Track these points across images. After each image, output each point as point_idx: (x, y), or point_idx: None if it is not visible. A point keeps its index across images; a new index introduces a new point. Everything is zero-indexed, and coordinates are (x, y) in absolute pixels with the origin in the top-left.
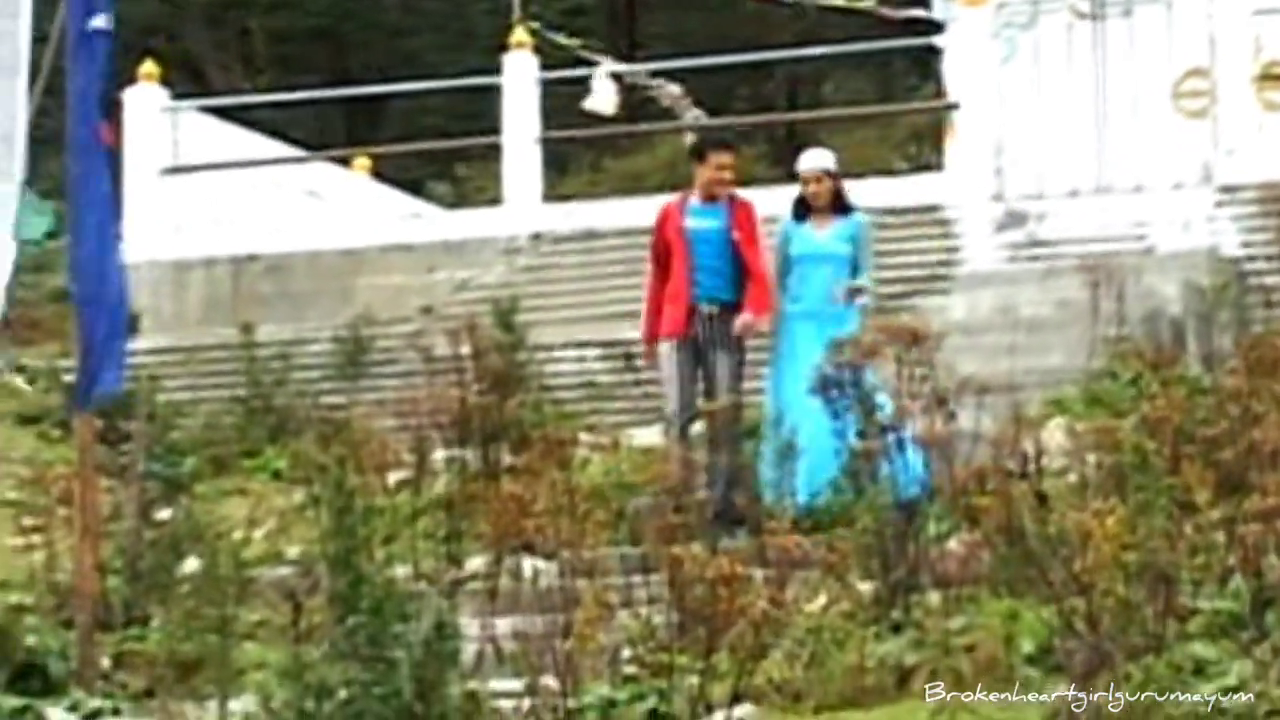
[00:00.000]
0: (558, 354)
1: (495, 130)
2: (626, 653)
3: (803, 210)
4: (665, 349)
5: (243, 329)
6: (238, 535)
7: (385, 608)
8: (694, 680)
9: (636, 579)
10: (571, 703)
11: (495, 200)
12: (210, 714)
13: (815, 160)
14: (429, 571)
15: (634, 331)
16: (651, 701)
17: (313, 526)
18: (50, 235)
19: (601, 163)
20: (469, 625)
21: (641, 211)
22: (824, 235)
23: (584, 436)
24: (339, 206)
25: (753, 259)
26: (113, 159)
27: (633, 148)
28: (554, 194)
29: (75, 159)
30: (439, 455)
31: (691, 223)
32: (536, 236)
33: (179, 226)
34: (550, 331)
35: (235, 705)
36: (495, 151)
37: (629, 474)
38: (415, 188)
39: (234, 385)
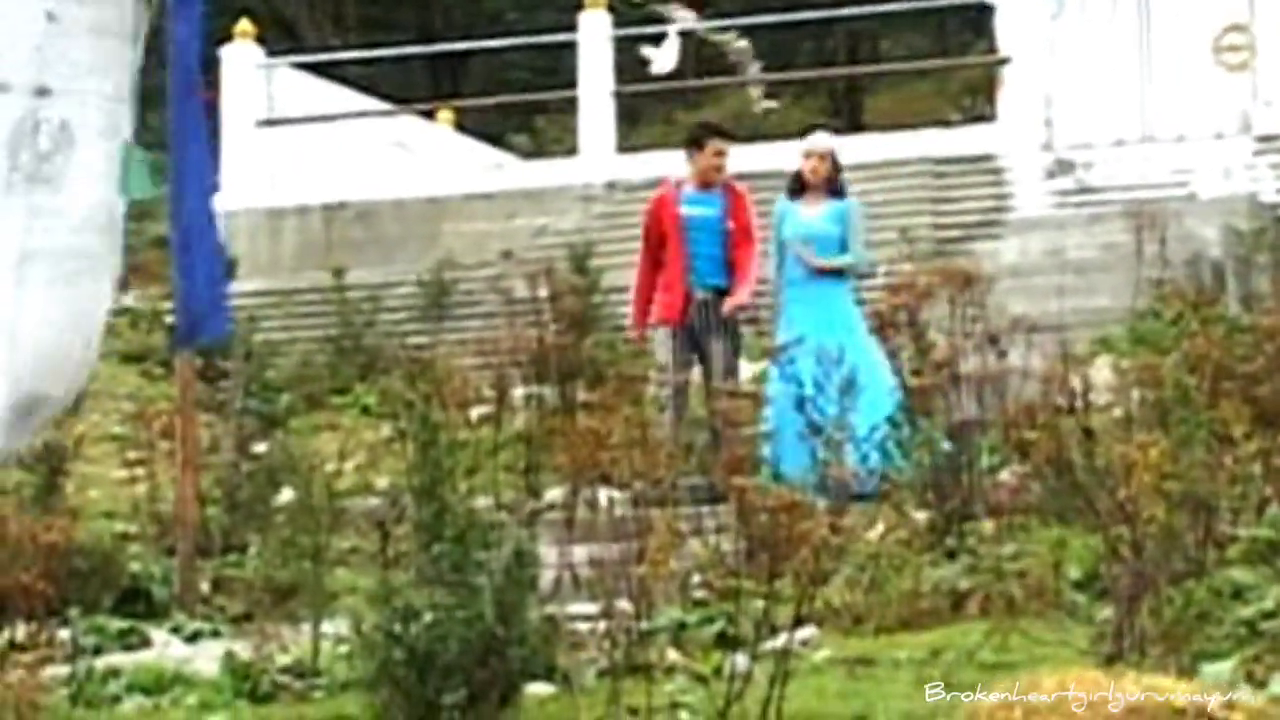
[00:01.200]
0: (630, 296)
1: (572, 84)
2: (696, 578)
3: (798, 187)
4: (661, 335)
5: (334, 273)
6: (329, 468)
7: (468, 536)
8: (759, 604)
9: (705, 508)
10: (644, 625)
11: (571, 151)
12: (304, 636)
13: (824, 140)
14: (509, 502)
15: None
16: (719, 624)
17: (400, 459)
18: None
19: (672, 115)
20: (547, 553)
21: None
22: (814, 215)
23: (654, 374)
24: (424, 157)
25: (742, 251)
26: (210, 113)
27: (701, 101)
28: (627, 145)
29: (175, 113)
30: (518, 392)
31: (687, 210)
32: (610, 185)
33: (273, 176)
34: (623, 275)
35: (328, 628)
36: (572, 104)
37: (698, 408)
38: (496, 139)
39: (325, 326)
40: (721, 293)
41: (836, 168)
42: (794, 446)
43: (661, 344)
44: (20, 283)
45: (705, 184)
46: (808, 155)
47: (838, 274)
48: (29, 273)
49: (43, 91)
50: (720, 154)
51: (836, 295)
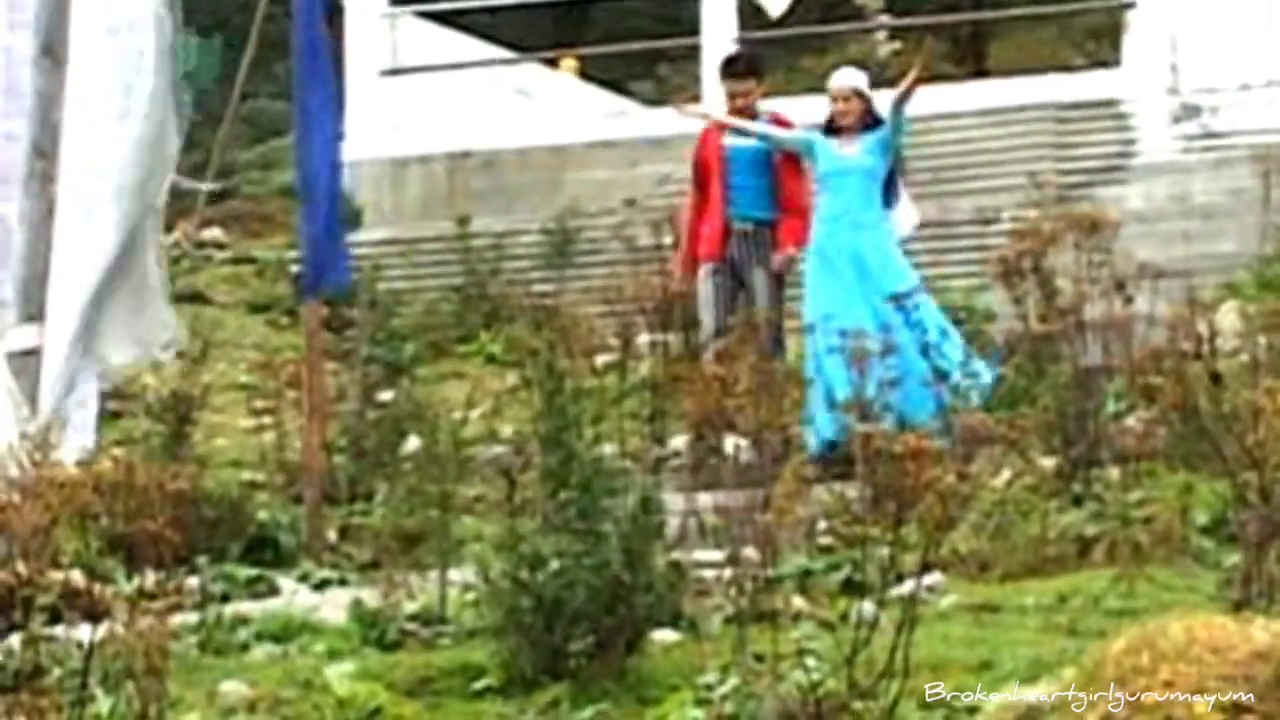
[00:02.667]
0: None
1: (694, 31)
2: (822, 525)
3: (833, 128)
4: (703, 272)
5: (458, 221)
6: (455, 416)
7: (594, 483)
8: (885, 550)
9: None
10: (770, 572)
11: (695, 98)
12: (431, 584)
13: (845, 78)
14: (634, 449)
15: None
16: (845, 571)
17: (525, 407)
18: (218, 80)
19: (795, 61)
20: (673, 500)
21: None
22: (852, 150)
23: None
24: (548, 105)
25: (792, 187)
26: (335, 62)
27: (825, 47)
28: None
29: (300, 62)
30: (643, 339)
31: (730, 140)
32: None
33: (397, 125)
34: None
35: (455, 575)
36: (694, 51)
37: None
38: (619, 87)
39: (450, 275)
40: (762, 224)
41: (867, 102)
42: (919, 393)
43: (703, 281)
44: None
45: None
46: (833, 98)
47: (882, 209)
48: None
49: (132, 25)
50: (735, 94)
51: (880, 224)
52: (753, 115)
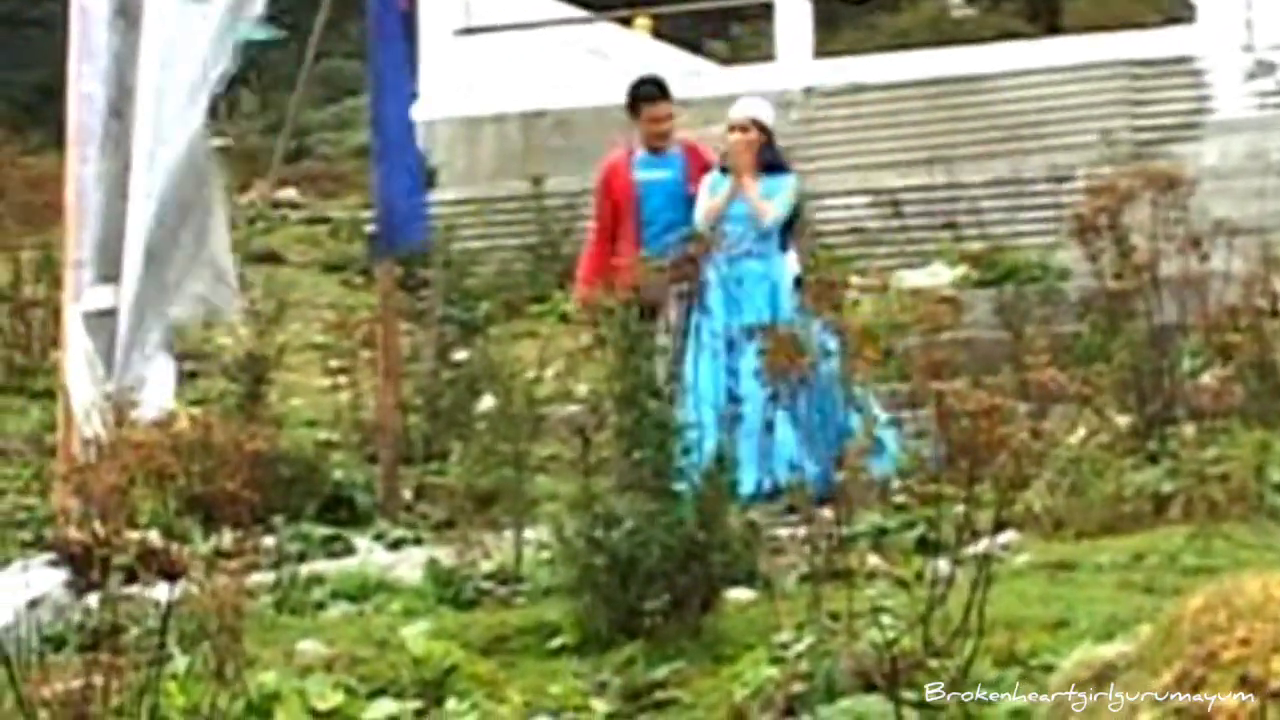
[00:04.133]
0: (828, 201)
1: None
2: (896, 483)
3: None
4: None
5: (532, 181)
6: (529, 375)
7: (668, 442)
8: (960, 509)
9: (905, 413)
10: (844, 530)
11: (768, 57)
12: (506, 542)
13: (745, 107)
14: None
15: (902, 179)
16: (920, 529)
17: (599, 366)
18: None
19: (869, 20)
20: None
21: (907, 66)
22: (750, 193)
23: (854, 279)
24: (622, 64)
25: None
26: (408, 22)
27: (898, 6)
28: (824, 50)
29: (373, 23)
30: None
31: (641, 175)
32: (808, 91)
33: (471, 85)
34: (821, 180)
35: (529, 534)
36: (768, 10)
37: (898, 314)
38: (693, 46)
39: (524, 234)
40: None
41: (768, 136)
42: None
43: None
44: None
45: (655, 149)
46: (730, 128)
47: (778, 251)
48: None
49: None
50: (657, 119)
51: (771, 280)
52: (666, 141)
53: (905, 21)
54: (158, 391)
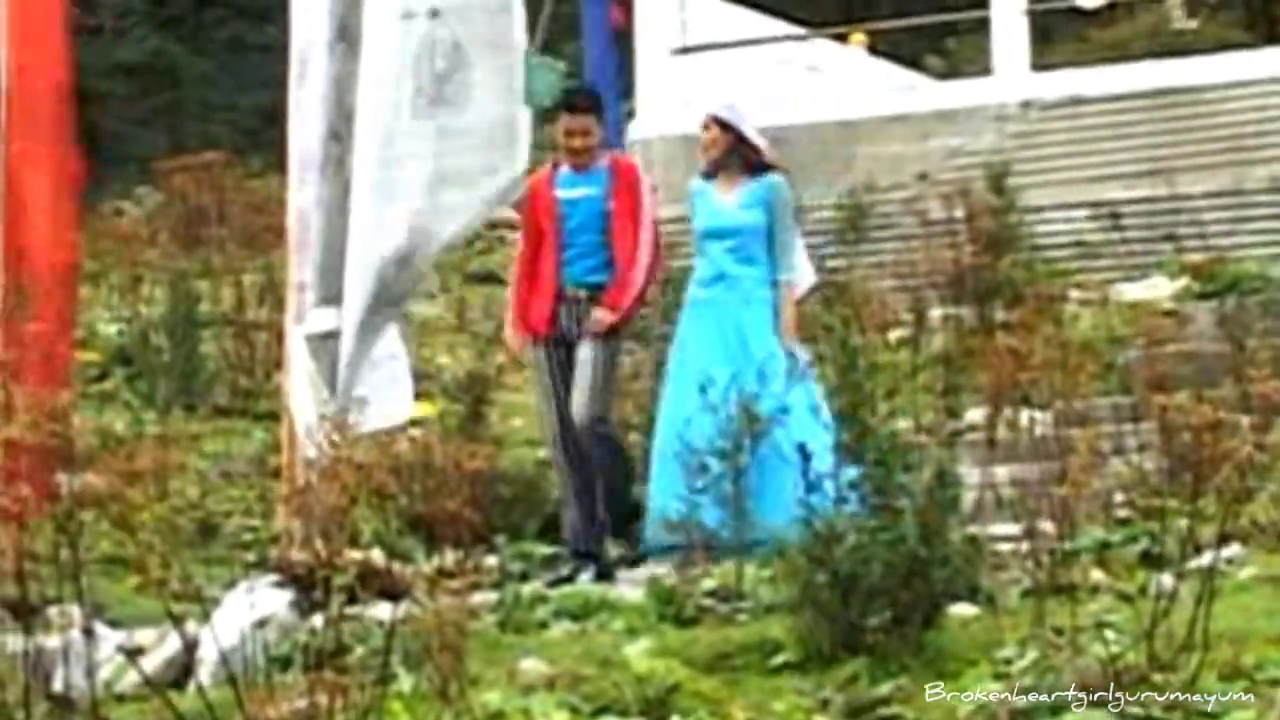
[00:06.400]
0: (1047, 215)
1: (984, 4)
2: (1119, 497)
3: (710, 169)
4: (539, 355)
5: None
6: None
7: (889, 458)
8: (1183, 522)
9: (1127, 427)
10: (1067, 545)
11: (985, 71)
12: (728, 560)
13: (720, 108)
14: (929, 423)
15: (1122, 192)
16: (1143, 543)
17: (819, 382)
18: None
19: (1086, 32)
20: (968, 473)
21: (1125, 78)
22: (729, 201)
23: (1074, 293)
24: (838, 80)
25: (623, 239)
26: (622, 41)
27: (1115, 17)
28: (1041, 63)
29: (589, 41)
30: (936, 313)
31: (562, 193)
32: (1025, 104)
33: (688, 103)
34: (1039, 193)
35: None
36: (984, 24)
37: (1118, 327)
38: (909, 61)
39: None
40: (599, 290)
41: (741, 138)
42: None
43: (538, 367)
44: (435, 210)
45: (577, 165)
46: (704, 126)
47: (760, 280)
48: (443, 196)
49: (435, 13)
50: (570, 132)
51: (752, 308)
52: (592, 158)
53: (1123, 33)
54: (391, 401)
